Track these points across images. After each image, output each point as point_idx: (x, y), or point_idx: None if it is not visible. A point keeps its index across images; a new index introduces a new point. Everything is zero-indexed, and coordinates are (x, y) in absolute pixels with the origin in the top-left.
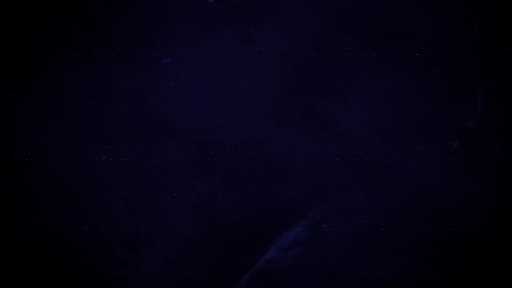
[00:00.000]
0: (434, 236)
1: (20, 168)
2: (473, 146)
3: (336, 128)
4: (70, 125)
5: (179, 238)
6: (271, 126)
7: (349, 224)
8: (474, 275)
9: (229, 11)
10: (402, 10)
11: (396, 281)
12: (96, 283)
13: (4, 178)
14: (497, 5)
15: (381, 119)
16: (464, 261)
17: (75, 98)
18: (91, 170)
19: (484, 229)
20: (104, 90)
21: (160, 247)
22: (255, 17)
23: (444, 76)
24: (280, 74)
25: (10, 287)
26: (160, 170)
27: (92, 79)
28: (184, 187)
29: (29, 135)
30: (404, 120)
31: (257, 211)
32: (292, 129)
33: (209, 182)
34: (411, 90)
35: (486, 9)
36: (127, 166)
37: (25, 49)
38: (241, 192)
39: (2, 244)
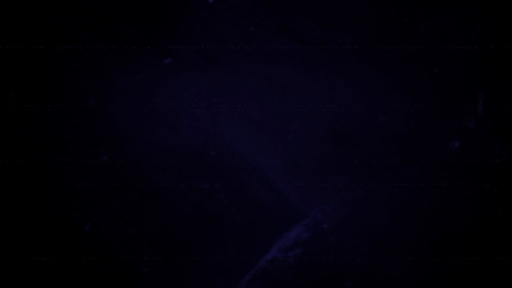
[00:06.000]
0: (435, 236)
1: (21, 168)
2: (474, 146)
3: (337, 128)
4: (70, 125)
5: (181, 238)
6: (272, 126)
7: (350, 224)
8: (475, 275)
9: (229, 11)
10: (403, 9)
11: (397, 281)
12: (97, 283)
13: (5, 178)
14: (497, 5)
15: (382, 119)
16: (464, 261)
17: (75, 98)
18: (92, 170)
19: (485, 229)
20: (104, 90)
21: (161, 247)
22: (255, 17)
23: (445, 76)
24: (280, 74)
25: (10, 286)
26: (161, 170)
27: (92, 79)
28: (185, 187)
29: (29, 135)
30: (405, 120)
31: (259, 211)
32: (293, 129)
33: (210, 182)
34: (412, 89)
35: (486, 9)
36: (128, 166)
37: (25, 49)
38: (242, 192)
39: (2, 243)
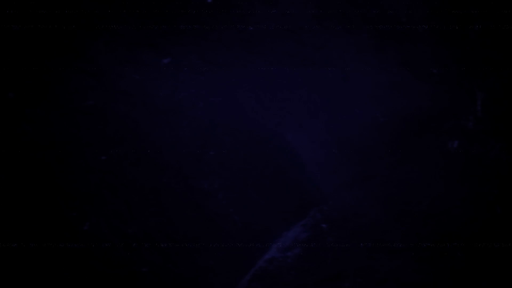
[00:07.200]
0: (434, 236)
1: (21, 168)
2: (473, 146)
3: (336, 128)
4: (70, 125)
5: (180, 238)
6: (271, 126)
7: (350, 224)
8: (475, 275)
9: (229, 11)
10: (402, 10)
11: (396, 281)
12: (96, 282)
13: (4, 178)
14: (497, 5)
15: (381, 119)
16: (464, 261)
17: (75, 98)
18: (91, 170)
19: (484, 229)
20: (104, 90)
21: (160, 247)
22: (254, 17)
23: (444, 76)
24: (280, 74)
25: (10, 285)
26: (160, 170)
27: (92, 79)
28: (184, 187)
29: (29, 135)
30: (404, 120)
31: (258, 211)
32: (292, 129)
33: (209, 182)
34: (411, 90)
35: (486, 9)
36: (127, 166)
37: (25, 49)
38: (241, 192)
39: (1, 243)
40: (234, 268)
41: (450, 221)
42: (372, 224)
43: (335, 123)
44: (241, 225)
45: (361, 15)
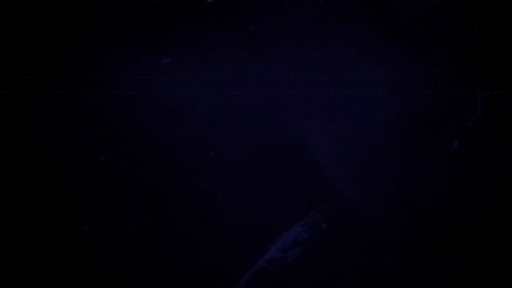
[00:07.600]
0: (434, 236)
1: (20, 168)
2: (473, 146)
3: (336, 128)
4: (70, 125)
5: (179, 238)
6: (271, 126)
7: (349, 224)
8: (474, 275)
9: (229, 11)
10: (402, 10)
11: (396, 281)
12: (96, 283)
13: (3, 178)
14: (497, 5)
15: (381, 119)
16: (464, 261)
17: (75, 98)
18: (91, 170)
19: (483, 229)
20: (104, 90)
21: (160, 247)
22: (254, 17)
23: (444, 76)
24: (279, 74)
25: (10, 286)
26: (160, 170)
27: (92, 79)
28: (184, 187)
29: (29, 135)
30: (404, 120)
31: (257, 211)
32: (292, 129)
33: (209, 182)
34: (411, 90)
35: (486, 9)
36: (127, 166)
37: (24, 49)
38: (241, 192)
39: (1, 243)
40: (234, 268)
41: (450, 221)
42: (371, 224)
43: (335, 123)
44: (241, 225)
45: (362, 15)
